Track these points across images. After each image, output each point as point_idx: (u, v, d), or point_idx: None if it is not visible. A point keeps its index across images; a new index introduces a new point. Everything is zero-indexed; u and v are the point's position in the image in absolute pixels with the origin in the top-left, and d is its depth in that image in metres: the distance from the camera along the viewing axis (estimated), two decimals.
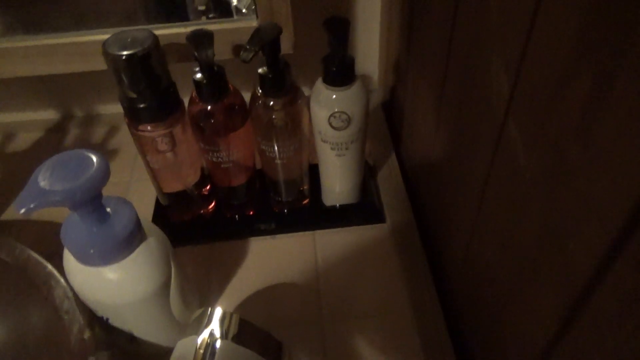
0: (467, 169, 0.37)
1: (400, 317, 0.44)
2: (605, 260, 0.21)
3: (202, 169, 0.51)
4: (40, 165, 0.32)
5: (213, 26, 0.47)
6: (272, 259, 0.49)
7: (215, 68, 0.41)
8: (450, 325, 0.44)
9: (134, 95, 0.41)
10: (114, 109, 0.67)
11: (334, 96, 0.42)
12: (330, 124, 0.43)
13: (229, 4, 0.52)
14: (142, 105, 0.41)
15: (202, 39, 0.39)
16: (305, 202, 0.53)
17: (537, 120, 0.26)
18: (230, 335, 0.35)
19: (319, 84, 0.43)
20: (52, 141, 0.64)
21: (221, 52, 0.46)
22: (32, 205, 0.30)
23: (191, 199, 0.51)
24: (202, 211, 0.53)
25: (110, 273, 0.35)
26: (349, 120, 0.43)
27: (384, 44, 0.62)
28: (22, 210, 0.30)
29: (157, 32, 0.40)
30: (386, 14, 0.59)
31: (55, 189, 0.31)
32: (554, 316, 0.26)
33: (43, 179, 0.31)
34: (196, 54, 0.39)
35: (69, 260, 0.36)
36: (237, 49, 0.48)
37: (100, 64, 0.50)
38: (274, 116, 0.43)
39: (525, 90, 0.27)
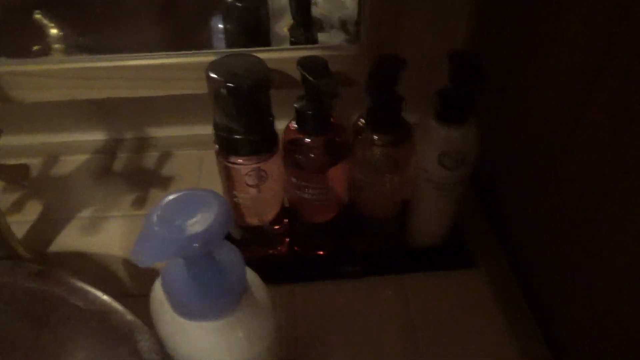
0: (608, 229, 0.33)
1: None
2: None
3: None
4: (152, 209, 0.28)
5: (313, 52, 0.43)
6: (359, 305, 0.45)
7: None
8: None
9: (233, 126, 0.37)
10: (166, 132, 0.63)
11: (449, 133, 0.39)
12: (441, 163, 0.40)
13: (313, 29, 0.49)
14: (238, 137, 0.37)
15: (316, 66, 0.36)
16: (393, 242, 0.49)
17: None
18: None
19: (430, 119, 0.39)
20: (99, 165, 0.60)
21: None
22: (154, 256, 0.26)
23: (266, 236, 0.47)
24: (275, 250, 0.49)
25: (215, 329, 0.31)
26: (462, 160, 0.39)
27: None
28: (144, 262, 0.26)
29: None
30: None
31: (180, 237, 0.26)
32: None
33: (160, 224, 0.27)
34: (315, 81, 0.35)
35: (163, 311, 0.32)
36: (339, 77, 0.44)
37: (171, 90, 0.46)
38: (380, 153, 0.40)
39: None
